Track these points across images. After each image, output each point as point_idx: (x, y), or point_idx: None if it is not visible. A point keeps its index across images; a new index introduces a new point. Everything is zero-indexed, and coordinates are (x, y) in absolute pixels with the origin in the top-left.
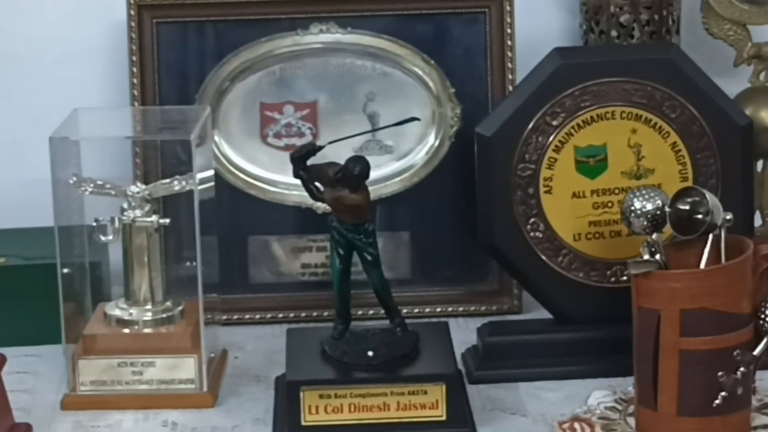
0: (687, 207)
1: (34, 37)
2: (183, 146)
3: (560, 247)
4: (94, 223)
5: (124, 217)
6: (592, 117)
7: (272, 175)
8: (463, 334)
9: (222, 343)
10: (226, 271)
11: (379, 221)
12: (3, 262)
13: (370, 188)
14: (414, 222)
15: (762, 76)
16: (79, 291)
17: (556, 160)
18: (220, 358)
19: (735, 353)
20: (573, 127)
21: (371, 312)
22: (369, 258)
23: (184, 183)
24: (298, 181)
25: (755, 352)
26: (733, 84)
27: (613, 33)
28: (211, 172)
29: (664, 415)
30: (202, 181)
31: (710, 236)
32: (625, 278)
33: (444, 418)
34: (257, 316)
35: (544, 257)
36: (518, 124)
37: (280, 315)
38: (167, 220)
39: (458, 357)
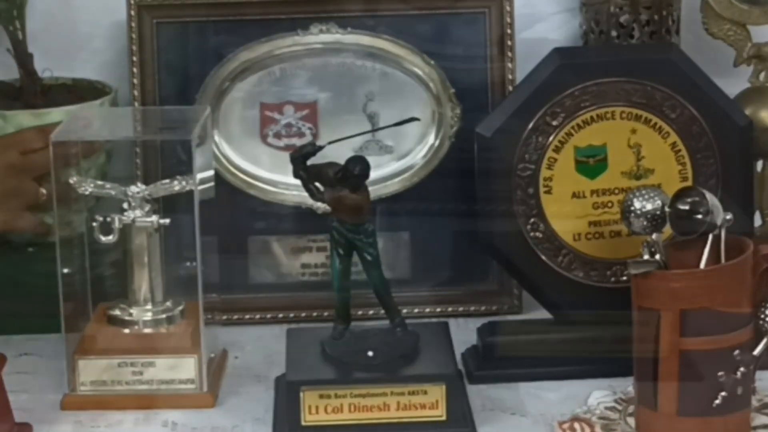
0: (687, 207)
1: (33, 37)
2: (183, 146)
3: (560, 247)
4: (94, 223)
5: (124, 217)
6: (592, 117)
7: (272, 175)
8: (463, 334)
9: (222, 343)
10: (226, 271)
11: (379, 221)
12: None
13: (370, 188)
14: (414, 222)
15: (762, 76)
16: (79, 291)
17: (556, 160)
18: (220, 358)
19: (735, 353)
20: (573, 127)
21: (371, 312)
22: (369, 258)
23: (184, 183)
24: (298, 182)
25: (755, 352)
26: (733, 84)
27: (613, 33)
28: (211, 172)
29: (664, 415)
30: (202, 181)
31: (710, 236)
32: (625, 278)
33: (444, 418)
34: (257, 316)
35: (544, 257)
36: (518, 124)
37: (280, 315)
38: (167, 220)
39: (458, 357)
